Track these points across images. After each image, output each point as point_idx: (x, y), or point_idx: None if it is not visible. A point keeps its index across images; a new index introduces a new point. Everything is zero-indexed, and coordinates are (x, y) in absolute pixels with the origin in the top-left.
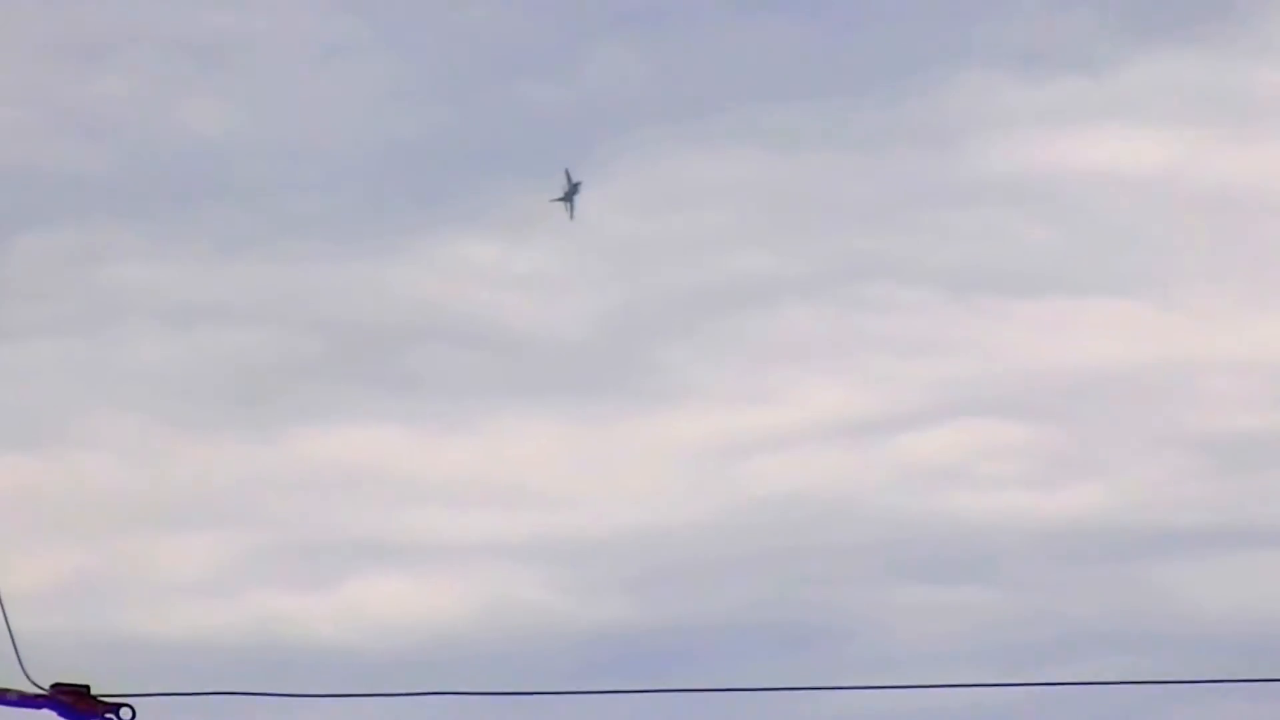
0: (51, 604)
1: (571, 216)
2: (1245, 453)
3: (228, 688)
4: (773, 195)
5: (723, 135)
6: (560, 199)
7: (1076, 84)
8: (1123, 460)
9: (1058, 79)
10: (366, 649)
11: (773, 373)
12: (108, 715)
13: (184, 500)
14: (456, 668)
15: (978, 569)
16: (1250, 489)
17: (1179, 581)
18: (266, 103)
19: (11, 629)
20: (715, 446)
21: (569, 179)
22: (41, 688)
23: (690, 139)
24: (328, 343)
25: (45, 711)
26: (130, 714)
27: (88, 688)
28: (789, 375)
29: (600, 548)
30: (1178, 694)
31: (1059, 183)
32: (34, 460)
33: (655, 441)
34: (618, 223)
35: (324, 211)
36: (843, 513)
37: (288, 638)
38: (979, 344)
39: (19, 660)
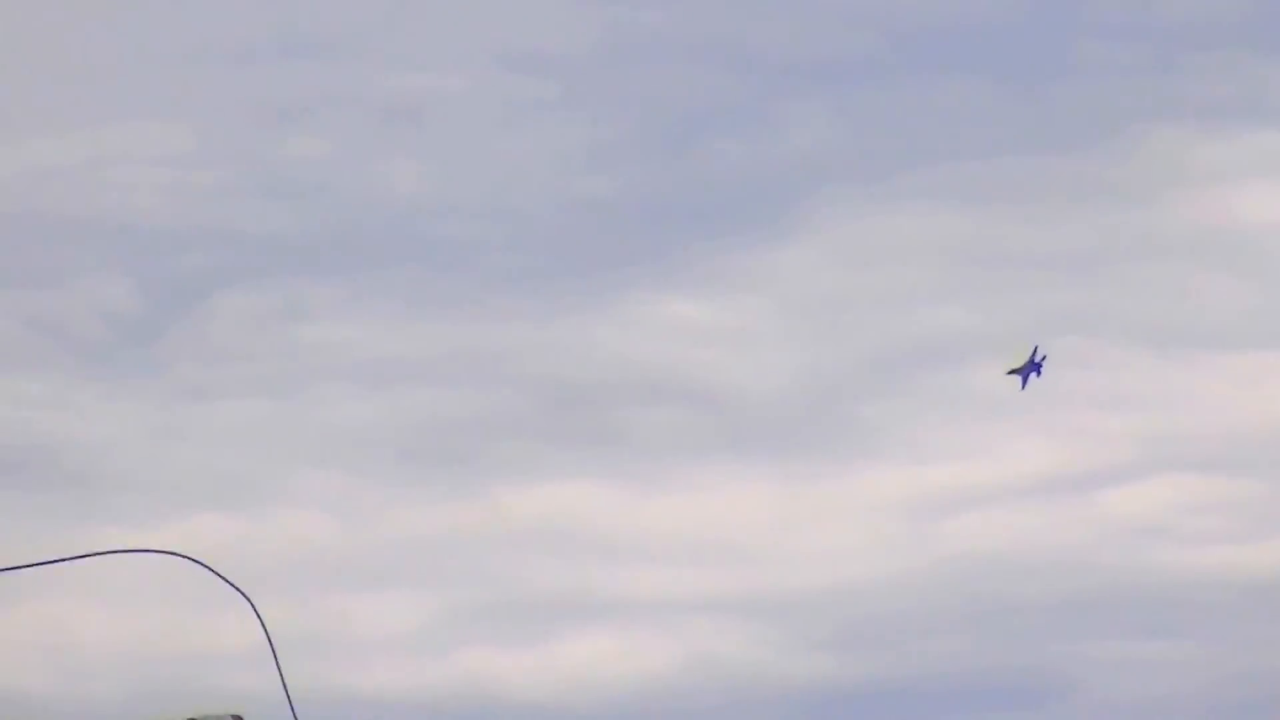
0: (257, 660)
1: (1022, 388)
2: None
3: None
4: (969, 252)
5: (918, 193)
6: (1016, 371)
7: (1272, 137)
8: None
9: (1251, 132)
10: (571, 706)
11: (973, 430)
12: None
13: (387, 558)
14: None
15: (1181, 624)
16: None
17: None
18: (462, 162)
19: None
20: (916, 503)
21: (1035, 353)
22: None
23: (887, 197)
24: (529, 400)
25: None
26: None
27: None
28: (989, 432)
29: (803, 603)
30: None
31: (1255, 236)
32: (235, 519)
33: (857, 498)
34: (817, 279)
35: (523, 270)
36: (1044, 569)
37: (491, 694)
38: (1179, 399)
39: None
